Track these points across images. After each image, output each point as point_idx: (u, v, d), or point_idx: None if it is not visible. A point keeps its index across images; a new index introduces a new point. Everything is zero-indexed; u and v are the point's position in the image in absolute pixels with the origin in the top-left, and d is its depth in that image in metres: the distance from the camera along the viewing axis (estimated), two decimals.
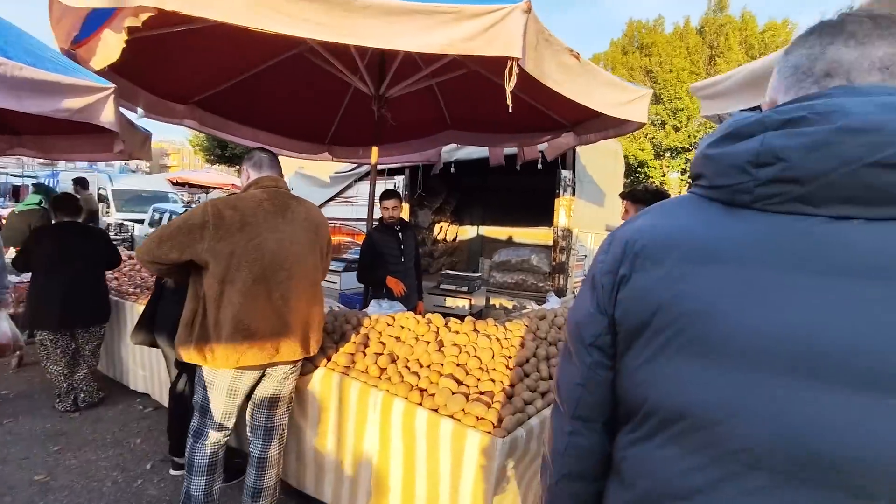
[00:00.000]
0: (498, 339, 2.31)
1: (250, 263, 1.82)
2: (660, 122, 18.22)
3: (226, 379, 1.89)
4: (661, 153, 19.09)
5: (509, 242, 7.30)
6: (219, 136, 4.65)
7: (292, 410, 2.20)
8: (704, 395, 0.56)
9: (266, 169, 2.10)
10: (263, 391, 2.03)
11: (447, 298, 4.76)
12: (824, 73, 0.60)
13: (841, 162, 0.51)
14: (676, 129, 17.96)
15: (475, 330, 2.40)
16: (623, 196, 2.66)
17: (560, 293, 4.92)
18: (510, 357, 2.18)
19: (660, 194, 2.47)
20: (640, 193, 2.51)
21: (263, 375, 2.00)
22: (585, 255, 5.54)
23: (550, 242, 5.31)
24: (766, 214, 0.57)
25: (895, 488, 0.47)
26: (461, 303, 4.74)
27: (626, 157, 19.36)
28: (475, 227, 8.09)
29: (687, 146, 18.03)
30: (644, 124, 2.69)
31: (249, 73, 3.94)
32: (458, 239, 8.10)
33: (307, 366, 2.22)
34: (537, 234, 6.66)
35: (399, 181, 6.15)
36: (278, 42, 3.63)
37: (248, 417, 2.11)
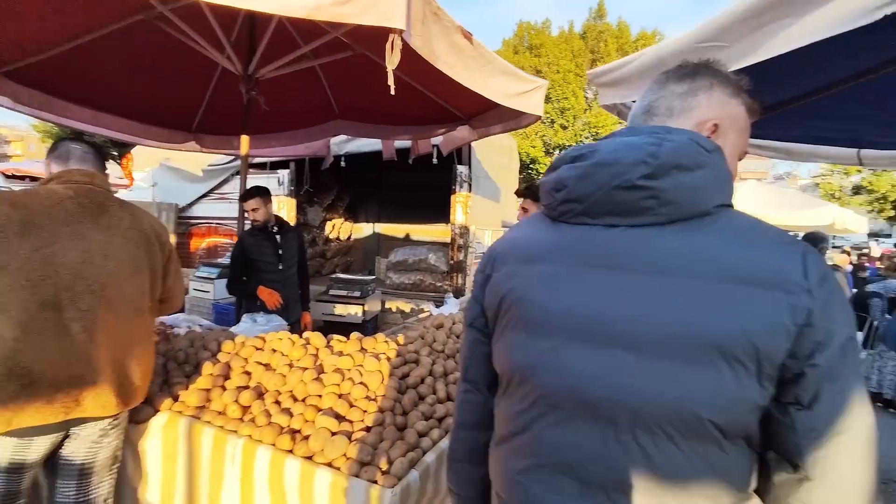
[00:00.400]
0: (388, 358, 2.02)
1: (34, 282, 1.32)
2: (549, 120, 19.22)
3: (2, 450, 1.36)
4: (552, 150, 20.20)
5: (407, 240, 7.05)
6: (43, 117, 3.74)
7: (119, 474, 1.70)
8: (523, 358, 0.77)
9: (75, 162, 1.58)
10: (70, 455, 1.51)
11: (337, 306, 4.34)
12: (638, 113, 0.84)
13: (598, 187, 0.72)
14: (564, 128, 19.08)
15: (362, 349, 2.08)
16: (520, 194, 2.51)
17: (458, 293, 4.78)
18: (406, 377, 1.91)
19: None
20: (539, 191, 2.38)
21: (67, 436, 1.49)
22: (484, 253, 5.47)
23: (448, 240, 5.14)
24: (568, 225, 0.78)
25: (633, 417, 0.66)
26: (353, 310, 4.37)
27: (518, 153, 20.32)
28: (371, 225, 7.71)
29: (573, 144, 19.33)
30: (540, 117, 2.58)
31: (82, 41, 3.18)
32: (352, 237, 7.66)
33: (144, 410, 1.75)
34: (435, 232, 6.48)
35: (284, 175, 5.57)
36: (114, 3, 2.99)
37: (45, 492, 1.58)
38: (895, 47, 1.73)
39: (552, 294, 0.75)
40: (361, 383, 1.79)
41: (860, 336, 6.42)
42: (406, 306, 4.73)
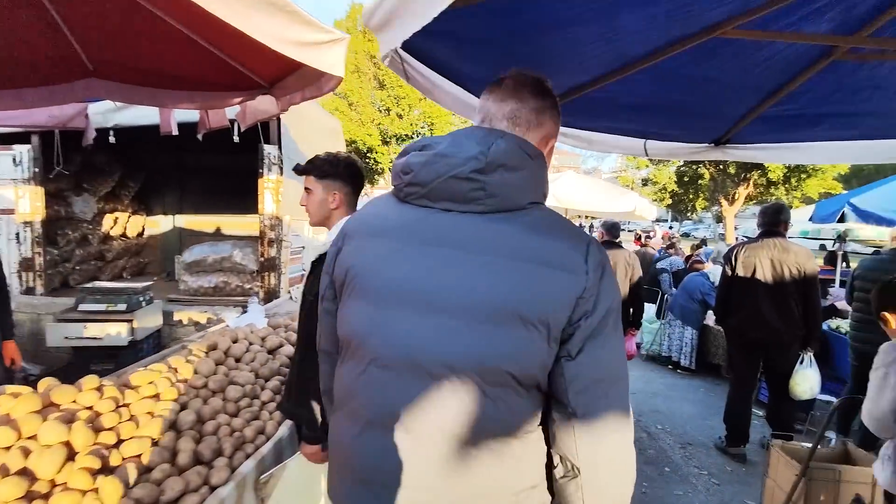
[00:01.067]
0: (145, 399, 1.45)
1: None
2: (385, 108, 19.05)
3: None
4: (388, 139, 20.08)
5: (217, 236, 6.07)
6: None
7: None
8: (360, 323, 0.89)
9: None
10: None
11: (89, 325, 3.22)
12: (481, 119, 0.95)
13: (437, 175, 0.85)
14: (400, 117, 19.11)
15: (99, 390, 1.47)
16: (300, 171, 2.12)
17: (271, 295, 4.16)
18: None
19: None
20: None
21: None
22: (303, 247, 4.89)
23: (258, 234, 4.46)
24: (412, 207, 0.90)
25: (451, 370, 0.81)
26: (115, 329, 3.26)
27: (354, 142, 19.65)
28: (170, 218, 6.49)
29: (410, 133, 19.44)
30: (341, 79, 2.18)
31: None
32: (146, 234, 6.35)
33: None
34: (246, 225, 5.65)
35: (23, 153, 4.20)
36: None
37: None
38: (675, 29, 1.78)
39: (391, 267, 0.87)
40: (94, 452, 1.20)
41: (653, 308, 7.62)
42: (202, 316, 3.93)
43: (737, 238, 17.43)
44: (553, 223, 0.86)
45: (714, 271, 6.30)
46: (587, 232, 0.80)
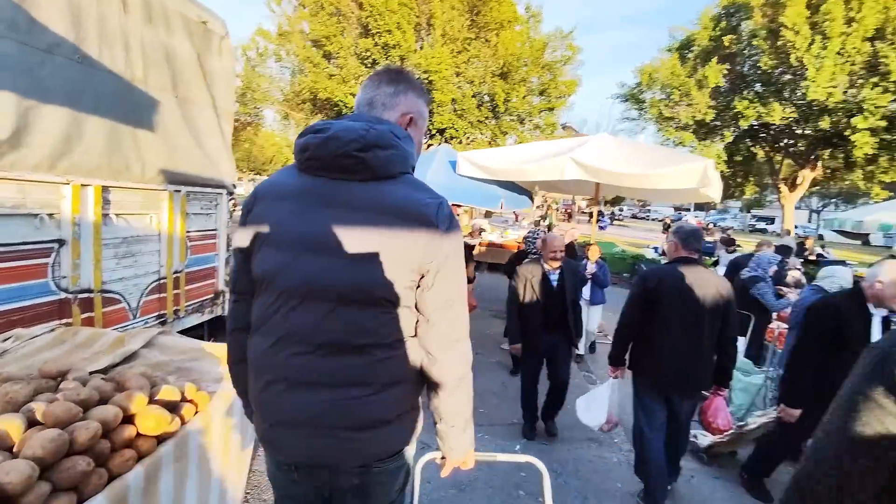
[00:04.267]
0: None
1: None
2: (371, 60, 16.10)
3: None
4: None
5: None
6: None
7: None
8: (271, 265, 1.21)
9: None
10: None
11: None
12: (363, 103, 1.32)
13: (329, 152, 1.18)
14: None
15: None
16: None
17: None
18: None
19: None
20: None
21: None
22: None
23: None
24: (309, 176, 1.23)
25: (339, 297, 1.17)
26: None
27: (335, 104, 16.42)
28: None
29: None
30: None
31: None
32: None
33: None
34: None
35: None
36: None
37: None
38: None
39: (294, 222, 1.20)
40: None
41: (742, 343, 4.95)
42: None
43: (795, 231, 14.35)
44: (416, 187, 1.24)
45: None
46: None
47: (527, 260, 4.46)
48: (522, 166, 6.76)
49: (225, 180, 4.22)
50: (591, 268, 5.96)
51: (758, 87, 15.18)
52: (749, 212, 47.84)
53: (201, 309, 4.08)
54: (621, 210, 53.27)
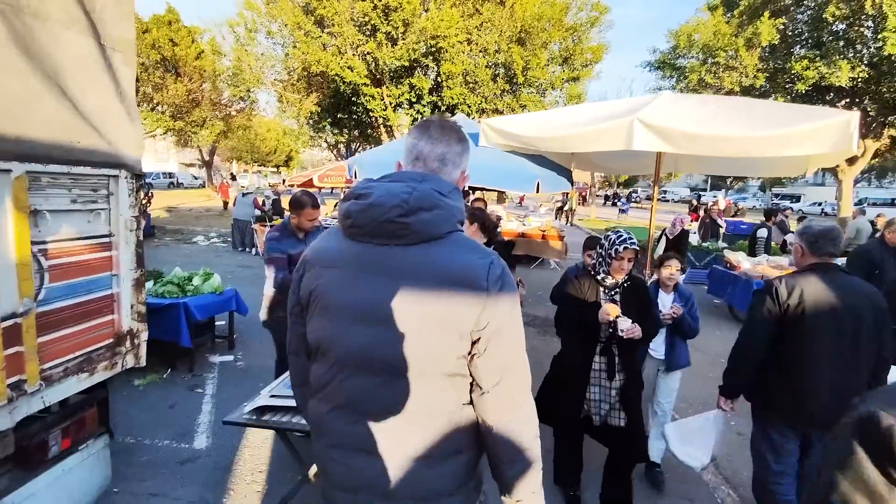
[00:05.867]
0: None
1: None
2: (370, 28, 14.33)
3: None
4: (380, 76, 15.48)
5: None
6: None
7: None
8: (323, 335, 1.23)
9: None
10: None
11: None
12: (414, 157, 1.28)
13: (371, 220, 1.16)
14: (392, 42, 14.40)
15: None
16: None
17: None
18: None
19: None
20: None
21: None
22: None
23: None
24: (355, 242, 1.21)
25: (391, 369, 1.15)
26: None
27: (332, 79, 14.62)
28: None
29: (408, 65, 14.72)
30: None
31: None
32: None
33: None
34: None
35: None
36: None
37: None
38: None
39: (343, 291, 1.19)
40: None
41: None
42: None
43: (854, 215, 12.52)
44: (463, 247, 1.19)
45: None
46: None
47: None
48: (568, 133, 5.12)
49: (122, 155, 2.63)
50: (668, 304, 3.28)
51: (821, 42, 13.18)
52: (768, 190, 45.75)
53: (88, 366, 2.52)
54: (636, 192, 51.16)
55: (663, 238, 7.97)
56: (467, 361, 1.16)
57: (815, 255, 2.44)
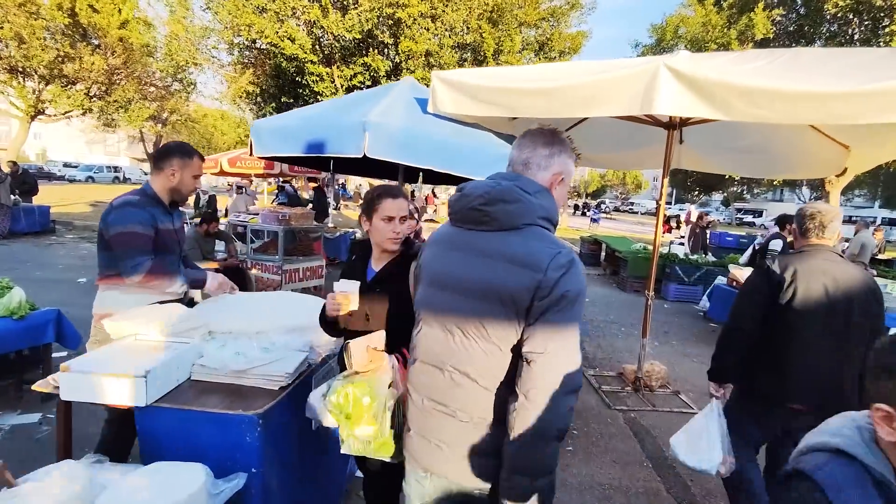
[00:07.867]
0: None
1: None
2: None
3: None
4: (325, 46, 13.60)
5: None
6: None
7: None
8: (420, 298, 1.54)
9: None
10: None
11: None
12: (508, 162, 1.52)
13: (461, 207, 1.45)
14: (342, 8, 12.61)
15: None
16: None
17: None
18: None
19: None
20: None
21: None
22: None
23: None
24: (454, 227, 1.51)
25: (460, 328, 1.41)
26: None
27: (271, 52, 12.80)
28: None
29: (360, 38, 12.89)
30: None
31: None
32: None
33: None
34: None
35: None
36: None
37: None
38: None
39: (437, 263, 1.50)
40: None
41: None
42: None
43: (857, 229, 11.55)
44: (538, 238, 1.37)
45: None
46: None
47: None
48: (558, 85, 3.53)
49: None
50: None
51: (819, 35, 12.24)
52: (730, 205, 46.18)
53: None
54: (604, 202, 51.25)
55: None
56: (519, 335, 1.35)
57: (810, 237, 2.48)
